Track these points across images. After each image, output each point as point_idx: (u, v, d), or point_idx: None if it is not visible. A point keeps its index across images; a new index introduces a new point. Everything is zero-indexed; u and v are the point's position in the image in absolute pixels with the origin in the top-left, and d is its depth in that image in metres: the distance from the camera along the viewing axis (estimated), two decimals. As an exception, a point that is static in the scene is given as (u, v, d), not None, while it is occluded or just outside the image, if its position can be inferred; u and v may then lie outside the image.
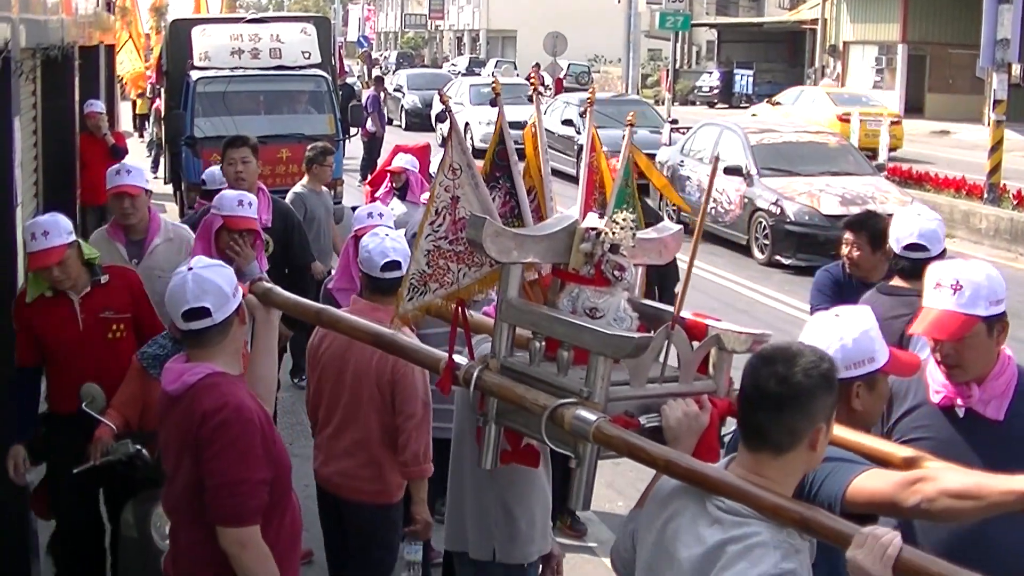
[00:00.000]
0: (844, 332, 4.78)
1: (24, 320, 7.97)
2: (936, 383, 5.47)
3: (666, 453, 4.17)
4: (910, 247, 7.33)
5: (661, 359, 4.52)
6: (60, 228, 7.70)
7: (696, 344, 4.60)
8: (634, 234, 4.68)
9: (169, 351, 7.43)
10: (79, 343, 7.85)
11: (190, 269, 5.44)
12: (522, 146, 5.21)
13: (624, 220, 4.63)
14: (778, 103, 45.68)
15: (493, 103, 5.46)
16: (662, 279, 10.61)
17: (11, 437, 8.00)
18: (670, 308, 4.70)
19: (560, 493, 6.90)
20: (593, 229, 4.61)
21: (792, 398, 3.89)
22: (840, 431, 4.41)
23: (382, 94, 36.06)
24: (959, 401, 5.41)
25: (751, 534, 3.86)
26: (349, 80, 32.73)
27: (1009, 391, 5.39)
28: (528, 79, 6.35)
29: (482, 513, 6.18)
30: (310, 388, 7.71)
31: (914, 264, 7.16)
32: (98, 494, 8.23)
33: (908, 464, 4.46)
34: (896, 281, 7.36)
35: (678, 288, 5.74)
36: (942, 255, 7.14)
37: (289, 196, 14.21)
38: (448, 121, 5.06)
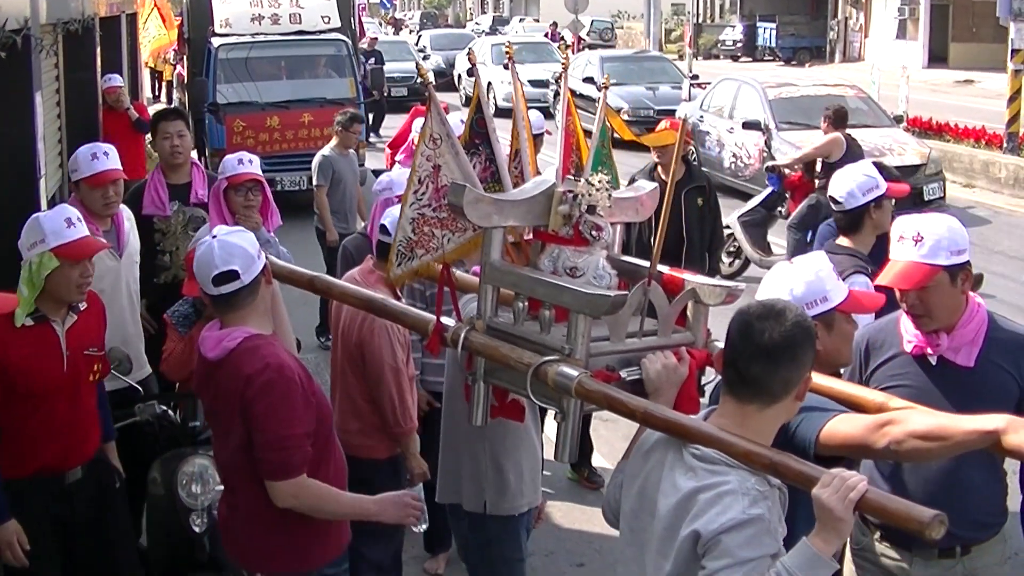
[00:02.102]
0: (795, 277, 5.00)
1: None
2: (909, 333, 5.66)
3: (644, 405, 4.38)
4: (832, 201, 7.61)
5: (640, 315, 4.71)
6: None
7: (673, 298, 4.78)
8: (610, 195, 4.85)
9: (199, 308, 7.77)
10: (60, 386, 6.57)
11: (214, 237, 5.61)
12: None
13: (600, 182, 4.80)
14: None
15: (470, 73, 5.60)
16: (712, 233, 11.25)
17: None
18: (647, 263, 4.88)
19: (584, 448, 7.02)
20: (570, 191, 4.78)
21: (788, 349, 4.12)
22: (817, 378, 4.60)
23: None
24: (930, 350, 5.60)
25: (721, 483, 4.07)
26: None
27: (979, 338, 5.58)
28: (505, 52, 6.34)
29: (474, 467, 6.37)
30: None
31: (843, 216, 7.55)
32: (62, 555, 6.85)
33: (880, 408, 4.67)
34: (840, 239, 7.56)
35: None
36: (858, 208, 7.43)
37: (317, 158, 14.57)
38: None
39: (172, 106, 14.09)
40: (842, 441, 4.45)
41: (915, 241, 5.49)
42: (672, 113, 27.06)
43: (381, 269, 7.30)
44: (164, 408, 7.70)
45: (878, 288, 5.58)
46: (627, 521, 4.50)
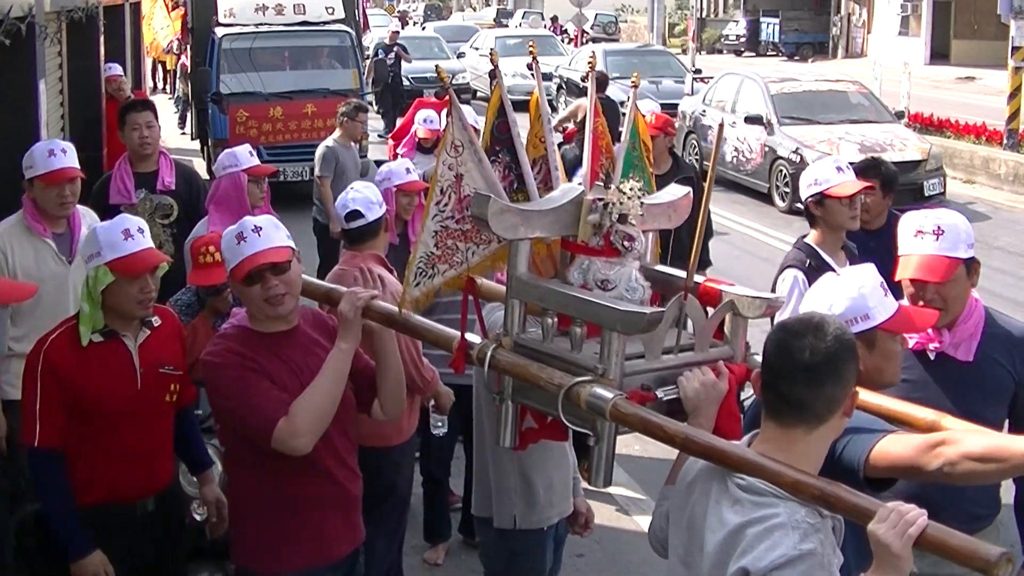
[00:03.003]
0: (837, 292, 4.79)
1: (60, 371, 5.92)
2: None
3: (683, 430, 4.19)
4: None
5: (676, 329, 4.57)
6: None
7: (710, 311, 4.66)
8: (642, 202, 4.69)
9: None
10: (134, 406, 6.03)
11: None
12: (548, 98, 5.20)
13: (631, 189, 4.64)
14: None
15: (492, 75, 5.43)
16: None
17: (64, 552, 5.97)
18: (682, 274, 4.75)
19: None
20: (600, 200, 4.63)
21: (829, 366, 3.92)
22: (865, 395, 4.44)
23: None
24: (931, 346, 5.56)
25: (770, 516, 3.89)
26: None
27: (977, 333, 5.57)
28: (528, 50, 6.28)
29: (503, 483, 6.22)
30: None
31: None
32: None
33: (931, 427, 4.51)
34: (809, 233, 7.66)
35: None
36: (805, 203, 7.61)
37: (320, 149, 14.52)
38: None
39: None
40: (892, 462, 4.30)
41: (935, 235, 5.46)
42: (675, 107, 27.07)
43: (356, 251, 7.37)
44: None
45: (899, 283, 5.51)
46: (680, 559, 4.30)
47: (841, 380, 3.96)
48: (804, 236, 7.67)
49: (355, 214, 7.45)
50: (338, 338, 5.45)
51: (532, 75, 5.37)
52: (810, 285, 5.50)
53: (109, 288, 5.90)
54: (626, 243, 4.64)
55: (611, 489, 9.91)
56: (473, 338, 4.92)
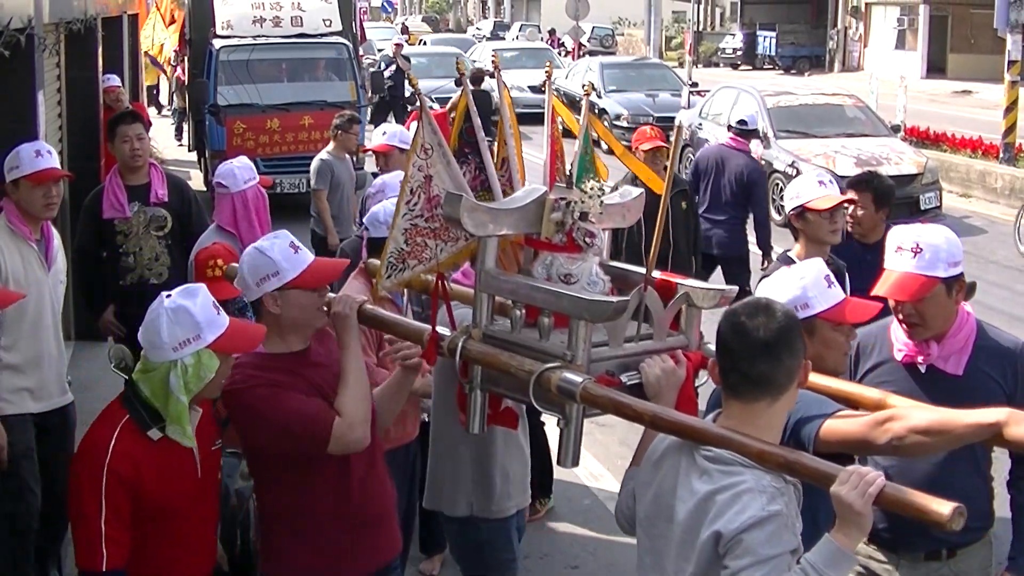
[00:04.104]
0: (781, 283, 5.13)
1: (131, 482, 5.09)
2: (899, 341, 5.73)
3: (651, 409, 4.43)
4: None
5: (638, 319, 4.74)
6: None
7: (667, 303, 4.83)
8: (601, 201, 4.91)
9: None
10: (196, 497, 5.36)
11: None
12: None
13: (592, 188, 4.87)
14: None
15: (458, 83, 5.58)
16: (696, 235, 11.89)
17: None
18: (638, 269, 4.97)
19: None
20: (563, 199, 4.85)
21: (784, 340, 4.20)
22: (814, 377, 4.65)
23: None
24: (920, 358, 5.67)
25: (738, 482, 4.13)
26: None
27: (968, 346, 5.66)
28: (492, 60, 6.36)
29: (457, 473, 6.39)
30: None
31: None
32: None
33: (877, 404, 4.76)
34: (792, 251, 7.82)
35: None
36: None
37: (315, 162, 14.45)
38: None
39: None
40: (842, 438, 4.56)
41: (914, 252, 5.54)
42: (671, 120, 27.15)
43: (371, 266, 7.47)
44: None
45: (874, 298, 5.64)
46: (644, 528, 4.56)
47: (795, 351, 4.24)
48: (788, 250, 7.84)
49: (365, 226, 7.61)
50: (342, 340, 5.41)
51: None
52: None
53: None
54: (587, 239, 4.85)
55: (606, 502, 10.03)
56: (443, 330, 5.08)
